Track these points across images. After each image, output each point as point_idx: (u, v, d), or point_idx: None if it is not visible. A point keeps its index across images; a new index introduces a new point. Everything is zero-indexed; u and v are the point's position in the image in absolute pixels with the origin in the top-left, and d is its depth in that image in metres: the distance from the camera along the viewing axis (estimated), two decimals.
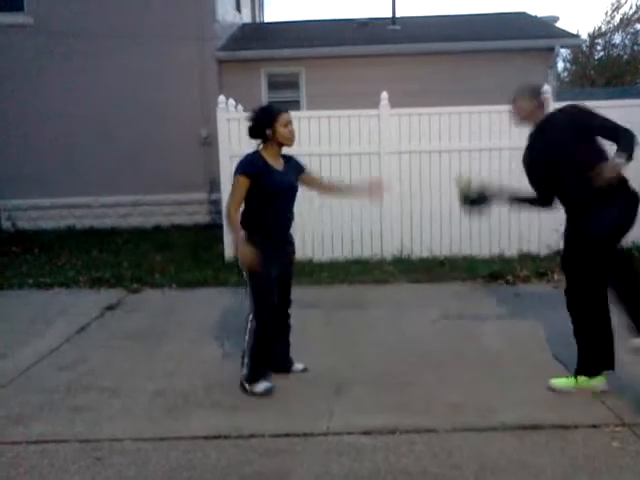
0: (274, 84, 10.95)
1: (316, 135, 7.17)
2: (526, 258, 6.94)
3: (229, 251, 7.23)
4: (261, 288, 3.57)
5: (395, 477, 2.75)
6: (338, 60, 10.52)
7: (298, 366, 4.00)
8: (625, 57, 32.40)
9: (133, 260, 7.44)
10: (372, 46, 10.68)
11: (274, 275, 3.61)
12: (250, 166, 3.53)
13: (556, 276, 6.24)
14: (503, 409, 3.38)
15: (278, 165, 3.63)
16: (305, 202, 7.23)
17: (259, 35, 11.30)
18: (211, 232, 9.12)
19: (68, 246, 8.58)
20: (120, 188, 10.24)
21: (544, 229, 7.15)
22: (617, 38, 32.82)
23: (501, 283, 6.19)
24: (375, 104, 7.13)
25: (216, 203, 9.72)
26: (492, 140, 7.07)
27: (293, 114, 6.87)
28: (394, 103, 7.11)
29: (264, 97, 10.86)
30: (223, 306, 5.52)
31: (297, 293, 5.92)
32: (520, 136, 7.12)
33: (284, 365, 3.96)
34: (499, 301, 5.57)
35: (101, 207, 10.38)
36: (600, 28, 32.39)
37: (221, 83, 10.41)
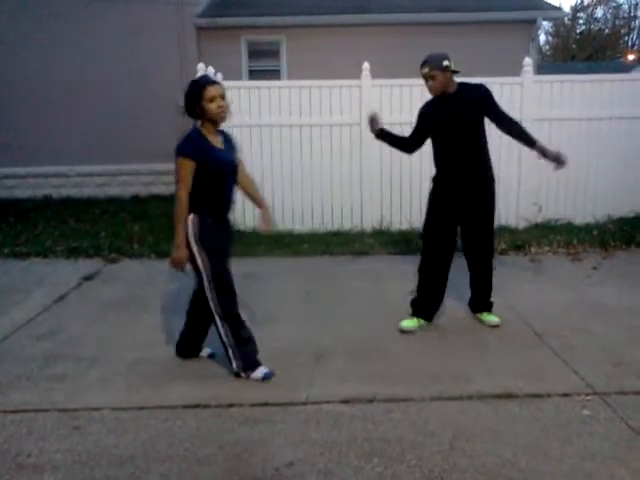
0: (255, 53, 10.81)
1: (296, 105, 7.11)
2: (504, 231, 7.01)
3: None
4: (220, 274, 3.39)
5: (372, 444, 2.80)
6: (320, 29, 10.39)
7: (206, 351, 3.80)
8: (607, 31, 32.46)
9: (111, 230, 7.36)
10: (354, 15, 10.54)
11: (226, 255, 3.48)
12: (192, 147, 3.25)
13: (533, 249, 6.33)
14: (479, 379, 3.45)
15: (217, 143, 3.37)
16: (286, 174, 7.21)
17: (240, 2, 11.08)
18: None
19: (45, 216, 8.46)
20: (97, 158, 10.08)
21: (522, 202, 7.22)
22: (599, 12, 32.88)
23: None
24: (357, 74, 7.07)
25: None
26: None
27: (273, 83, 6.79)
28: (376, 74, 7.06)
29: (244, 66, 10.72)
30: None
31: (278, 264, 5.97)
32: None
33: (194, 349, 3.78)
34: None
35: (78, 176, 10.23)
36: (582, 1, 32.38)
37: (200, 51, 10.23)
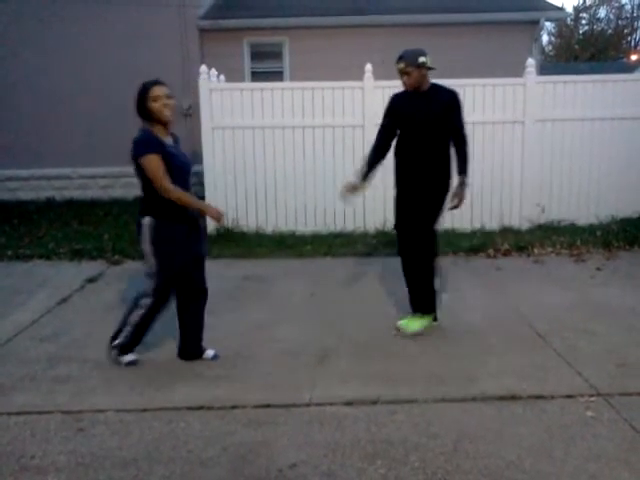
0: (257, 54, 10.82)
1: (299, 107, 7.11)
2: (507, 232, 7.01)
3: (211, 222, 7.22)
4: (169, 269, 3.52)
5: (376, 446, 2.79)
6: (322, 30, 10.41)
7: (209, 353, 3.82)
8: (609, 31, 32.39)
9: (114, 232, 7.37)
10: (357, 17, 10.55)
11: (187, 257, 3.58)
12: (151, 144, 3.38)
13: (536, 250, 6.32)
14: (482, 380, 3.44)
15: (169, 141, 3.51)
16: (289, 175, 7.21)
17: (242, 4, 11.09)
18: None
19: (48, 218, 8.48)
20: (100, 159, 10.09)
21: (525, 203, 7.21)
22: (602, 12, 32.79)
23: (482, 256, 6.25)
24: (359, 76, 7.07)
25: (198, 175, 9.63)
26: (476, 113, 7.05)
27: (276, 85, 6.80)
28: (378, 75, 7.06)
29: (247, 67, 10.73)
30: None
31: (281, 265, 5.97)
32: (503, 110, 7.17)
33: (195, 351, 3.81)
34: (480, 274, 5.63)
35: (81, 178, 10.25)
36: (585, 1, 32.31)
37: (203, 53, 10.25)
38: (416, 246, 4.11)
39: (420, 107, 3.98)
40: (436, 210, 4.10)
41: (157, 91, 3.41)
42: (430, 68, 3.96)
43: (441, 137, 4.00)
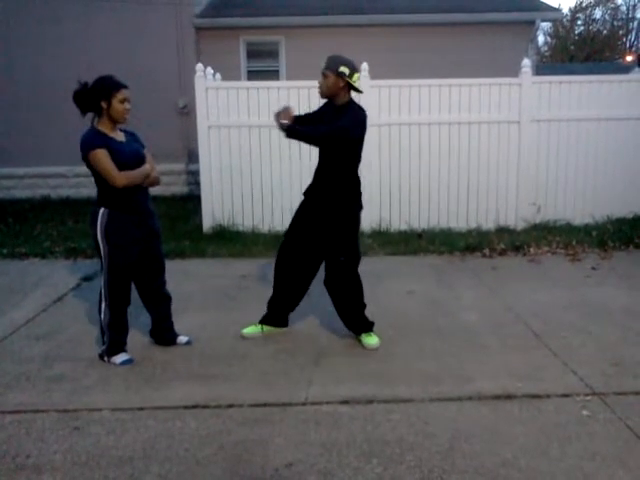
0: (253, 53, 10.83)
1: (295, 106, 7.08)
2: (503, 231, 7.03)
3: (207, 222, 7.22)
4: (116, 267, 3.58)
5: (371, 445, 2.79)
6: (319, 29, 10.41)
7: (182, 339, 4.02)
8: (605, 32, 32.49)
9: None
10: (353, 16, 10.56)
11: (137, 252, 3.66)
12: (96, 139, 3.45)
13: (532, 249, 6.34)
14: (478, 379, 3.44)
15: (118, 137, 3.59)
16: (285, 175, 7.21)
17: (238, 2, 11.08)
18: (189, 203, 9.06)
19: (43, 216, 8.46)
20: None
21: (521, 203, 7.23)
22: (598, 13, 32.87)
23: (478, 256, 6.27)
24: None
25: (194, 174, 9.64)
26: (472, 113, 7.07)
27: (272, 84, 6.78)
28: (375, 74, 7.06)
29: (243, 66, 10.73)
30: (201, 277, 5.50)
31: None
32: (499, 110, 7.18)
33: (168, 338, 4.01)
34: (476, 274, 5.64)
35: (76, 177, 10.21)
36: (581, 2, 32.38)
37: (199, 51, 10.24)
38: (333, 277, 3.97)
39: (325, 120, 3.76)
40: (344, 235, 3.86)
41: (126, 93, 3.51)
42: (353, 87, 3.72)
43: (339, 160, 3.80)
